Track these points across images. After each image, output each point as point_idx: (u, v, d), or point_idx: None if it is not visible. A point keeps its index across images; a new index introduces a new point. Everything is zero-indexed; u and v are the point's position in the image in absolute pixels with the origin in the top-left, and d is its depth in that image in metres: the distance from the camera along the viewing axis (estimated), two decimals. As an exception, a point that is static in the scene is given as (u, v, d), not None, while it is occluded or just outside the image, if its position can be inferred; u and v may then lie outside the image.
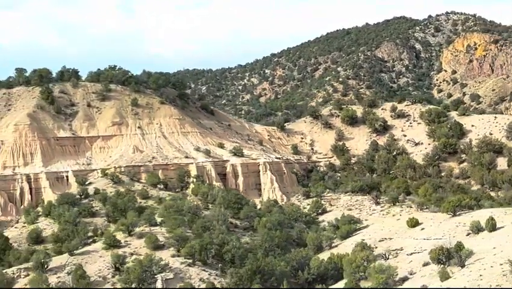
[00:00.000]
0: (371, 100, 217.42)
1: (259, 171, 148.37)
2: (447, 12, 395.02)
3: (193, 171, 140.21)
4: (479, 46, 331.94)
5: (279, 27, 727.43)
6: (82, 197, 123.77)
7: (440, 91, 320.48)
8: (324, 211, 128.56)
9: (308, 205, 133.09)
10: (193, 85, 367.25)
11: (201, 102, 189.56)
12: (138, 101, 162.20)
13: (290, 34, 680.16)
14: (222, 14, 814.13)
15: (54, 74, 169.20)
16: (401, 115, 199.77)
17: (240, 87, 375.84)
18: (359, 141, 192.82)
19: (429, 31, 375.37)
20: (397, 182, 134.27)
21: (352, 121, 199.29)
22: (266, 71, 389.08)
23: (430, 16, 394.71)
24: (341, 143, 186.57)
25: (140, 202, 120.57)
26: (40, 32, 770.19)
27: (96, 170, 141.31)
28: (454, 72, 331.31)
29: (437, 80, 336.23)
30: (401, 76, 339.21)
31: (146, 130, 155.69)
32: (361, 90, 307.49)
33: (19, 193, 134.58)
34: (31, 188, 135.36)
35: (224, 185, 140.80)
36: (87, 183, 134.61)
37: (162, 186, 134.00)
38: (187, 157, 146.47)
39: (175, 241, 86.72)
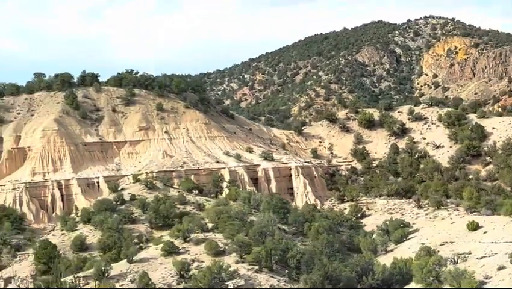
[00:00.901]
0: (387, 104, 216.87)
1: (290, 176, 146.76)
2: (425, 17, 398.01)
3: (226, 176, 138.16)
4: (459, 49, 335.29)
5: (253, 33, 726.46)
6: (118, 203, 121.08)
7: (421, 94, 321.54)
8: (364, 215, 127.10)
9: (345, 209, 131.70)
10: None
11: (221, 106, 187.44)
12: (163, 105, 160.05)
13: (264, 39, 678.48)
14: (192, 20, 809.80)
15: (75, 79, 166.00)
16: (418, 118, 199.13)
17: (220, 92, 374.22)
18: (378, 144, 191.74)
19: (408, 35, 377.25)
20: (434, 185, 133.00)
21: (370, 124, 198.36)
22: (245, 76, 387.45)
23: (409, 20, 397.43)
24: (360, 147, 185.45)
25: (178, 208, 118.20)
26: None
27: (127, 175, 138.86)
28: (435, 76, 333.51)
29: (418, 84, 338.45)
30: (382, 80, 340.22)
31: (173, 135, 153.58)
32: (343, 94, 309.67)
33: (51, 200, 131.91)
34: (62, 195, 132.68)
35: (256, 190, 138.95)
36: (119, 189, 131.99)
37: (196, 192, 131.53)
38: (217, 162, 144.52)
39: (237, 247, 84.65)
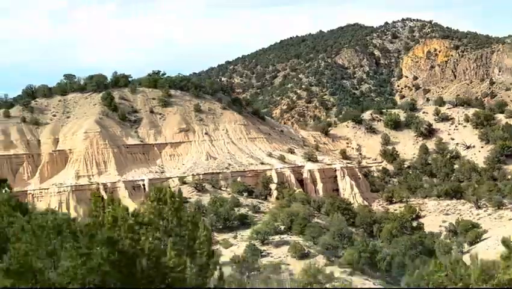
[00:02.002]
0: (410, 104, 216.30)
1: (335, 177, 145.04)
2: (403, 19, 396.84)
3: (273, 178, 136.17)
4: (439, 52, 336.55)
5: (223, 36, 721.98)
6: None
7: (402, 97, 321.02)
8: (418, 216, 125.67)
9: (395, 210, 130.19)
10: None
11: (252, 107, 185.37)
12: (201, 107, 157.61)
13: (235, 42, 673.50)
14: (159, 23, 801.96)
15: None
16: (445, 119, 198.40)
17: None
18: (406, 145, 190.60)
19: (386, 37, 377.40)
20: (487, 185, 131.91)
21: (396, 125, 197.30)
22: (223, 79, 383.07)
23: (387, 23, 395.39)
24: (390, 148, 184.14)
25: (234, 210, 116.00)
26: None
27: (171, 178, 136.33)
28: (415, 78, 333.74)
29: (398, 86, 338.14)
30: (363, 83, 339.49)
31: (213, 136, 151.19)
32: (325, 97, 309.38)
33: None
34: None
35: (303, 192, 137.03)
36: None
37: (246, 194, 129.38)
38: (262, 163, 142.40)
39: (324, 249, 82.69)
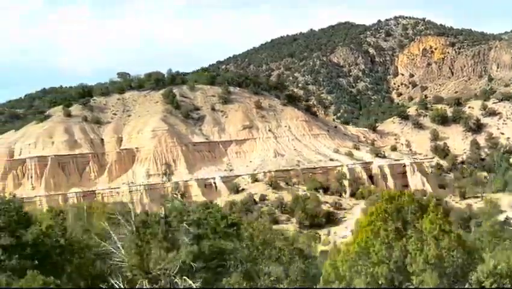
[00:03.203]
0: (456, 99, 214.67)
1: (404, 172, 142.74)
2: (395, 17, 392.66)
3: (346, 174, 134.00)
4: (435, 49, 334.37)
5: (208, 37, 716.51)
6: (250, 204, 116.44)
7: (399, 94, 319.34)
8: (500, 211, 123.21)
9: (475, 203, 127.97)
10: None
11: (305, 104, 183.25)
12: (262, 103, 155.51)
13: (221, 42, 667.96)
14: (138, 23, 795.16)
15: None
16: (492, 113, 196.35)
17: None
18: (455, 140, 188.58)
19: (380, 35, 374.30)
20: None
21: (443, 120, 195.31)
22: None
23: (379, 21, 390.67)
24: (441, 143, 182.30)
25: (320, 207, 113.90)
26: None
27: (241, 175, 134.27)
28: (412, 75, 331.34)
29: (394, 84, 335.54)
30: (359, 81, 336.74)
31: (277, 133, 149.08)
32: (322, 95, 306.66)
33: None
34: (181, 196, 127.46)
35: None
36: (240, 189, 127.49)
37: (321, 191, 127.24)
38: (331, 160, 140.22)
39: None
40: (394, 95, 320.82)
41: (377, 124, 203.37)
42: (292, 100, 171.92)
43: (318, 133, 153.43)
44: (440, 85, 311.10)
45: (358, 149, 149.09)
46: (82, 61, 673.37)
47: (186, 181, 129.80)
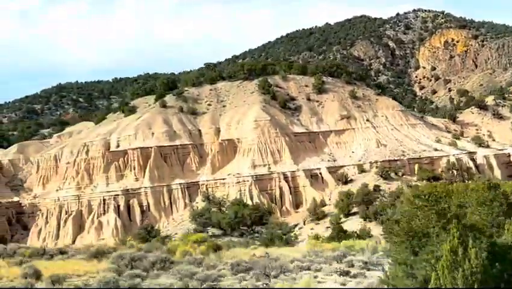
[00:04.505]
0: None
1: (507, 162, 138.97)
2: (414, 10, 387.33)
3: (455, 164, 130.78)
4: (457, 42, 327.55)
5: (220, 32, 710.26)
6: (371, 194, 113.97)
7: (421, 87, 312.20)
8: None
9: None
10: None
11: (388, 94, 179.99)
12: (357, 93, 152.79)
13: (235, 37, 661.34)
14: (137, 19, 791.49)
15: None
16: None
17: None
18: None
19: (399, 28, 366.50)
20: None
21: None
22: None
23: (398, 14, 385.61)
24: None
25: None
26: None
27: (346, 165, 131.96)
28: (433, 68, 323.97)
29: (416, 77, 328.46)
30: (380, 74, 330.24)
31: (374, 123, 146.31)
32: None
33: (279, 193, 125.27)
34: (290, 187, 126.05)
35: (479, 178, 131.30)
36: (348, 180, 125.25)
37: (432, 181, 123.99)
38: (436, 149, 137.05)
39: None
40: (416, 88, 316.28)
41: (457, 115, 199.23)
42: (382, 90, 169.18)
43: (415, 123, 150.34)
44: (463, 78, 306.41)
45: (458, 138, 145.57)
46: (78, 57, 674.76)
47: (293, 172, 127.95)
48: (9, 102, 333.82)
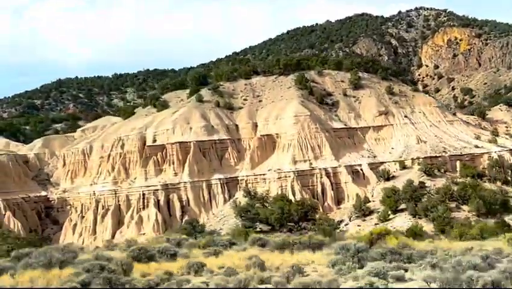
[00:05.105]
0: None
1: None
2: (416, 8, 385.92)
3: (498, 161, 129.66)
4: (460, 40, 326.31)
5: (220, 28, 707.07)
6: (415, 192, 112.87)
7: (424, 86, 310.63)
8: None
9: None
10: (157, 85, 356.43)
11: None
12: (393, 89, 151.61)
13: (234, 34, 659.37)
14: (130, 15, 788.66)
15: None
16: None
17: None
18: None
19: (401, 26, 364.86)
20: None
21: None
22: None
23: (400, 12, 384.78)
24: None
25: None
26: None
27: (386, 162, 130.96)
28: (437, 67, 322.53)
29: (419, 75, 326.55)
30: None
31: (413, 119, 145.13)
32: None
33: (321, 189, 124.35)
34: (331, 183, 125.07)
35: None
36: (391, 176, 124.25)
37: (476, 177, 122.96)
38: (476, 146, 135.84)
39: None
40: (419, 86, 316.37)
41: (486, 112, 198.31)
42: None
43: (452, 120, 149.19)
44: (467, 76, 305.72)
45: (497, 135, 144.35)
46: (68, 53, 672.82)
47: (334, 168, 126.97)
48: (8, 96, 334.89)
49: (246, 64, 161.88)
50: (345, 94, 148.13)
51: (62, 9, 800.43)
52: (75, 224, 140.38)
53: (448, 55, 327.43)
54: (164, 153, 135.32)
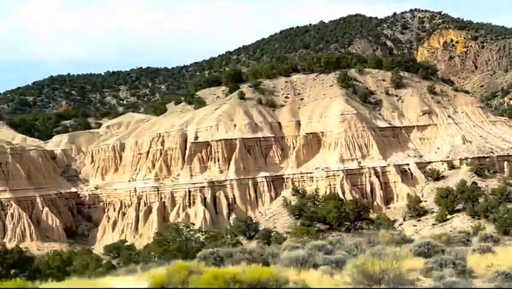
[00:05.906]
0: None
1: None
2: (411, 10, 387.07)
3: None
4: (456, 42, 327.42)
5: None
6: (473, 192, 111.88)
7: None
8: None
9: None
10: (150, 84, 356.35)
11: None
12: (435, 88, 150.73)
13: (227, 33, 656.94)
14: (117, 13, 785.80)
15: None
16: None
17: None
18: None
19: (396, 28, 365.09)
20: None
21: None
22: (227, 68, 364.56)
23: (395, 14, 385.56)
24: None
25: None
26: None
27: (433, 162, 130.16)
28: None
29: None
30: None
31: (456, 119, 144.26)
32: None
33: (370, 188, 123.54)
34: (380, 183, 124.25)
35: None
36: (440, 176, 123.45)
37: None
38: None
39: None
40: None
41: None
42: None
43: (495, 120, 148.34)
44: (463, 78, 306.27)
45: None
46: (54, 51, 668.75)
47: (383, 167, 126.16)
48: (0, 92, 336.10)
49: (283, 61, 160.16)
50: (387, 93, 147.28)
51: (56, 8, 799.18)
52: (115, 221, 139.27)
53: (444, 57, 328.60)
54: (208, 150, 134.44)
